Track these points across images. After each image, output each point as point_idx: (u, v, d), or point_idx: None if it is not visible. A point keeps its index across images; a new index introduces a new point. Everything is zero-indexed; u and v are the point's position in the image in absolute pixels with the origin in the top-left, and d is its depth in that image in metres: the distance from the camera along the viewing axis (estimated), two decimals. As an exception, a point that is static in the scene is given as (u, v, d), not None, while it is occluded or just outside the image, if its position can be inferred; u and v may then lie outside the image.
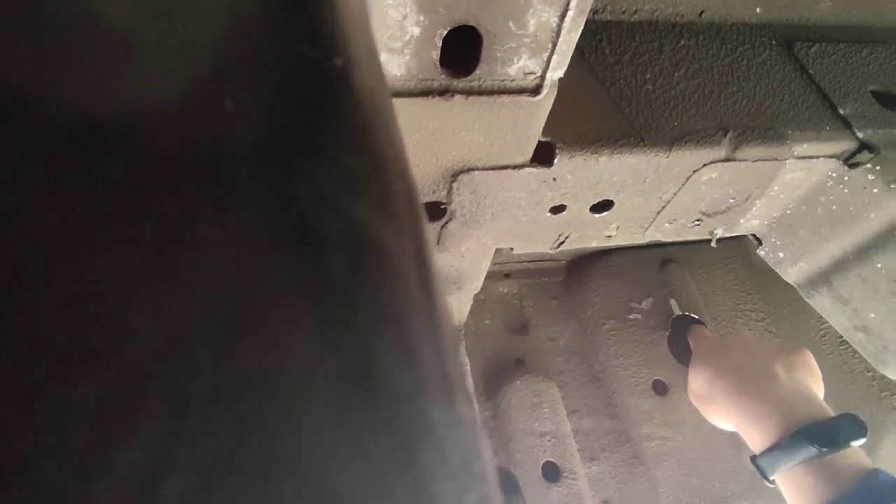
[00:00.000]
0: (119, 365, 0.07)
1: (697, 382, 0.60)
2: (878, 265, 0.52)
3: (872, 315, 0.54)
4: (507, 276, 0.99)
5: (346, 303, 0.08)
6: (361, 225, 0.09)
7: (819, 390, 0.53)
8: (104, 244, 0.08)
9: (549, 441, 0.79)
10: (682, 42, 0.55)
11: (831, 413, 0.47)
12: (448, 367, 0.09)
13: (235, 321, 0.08)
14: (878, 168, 0.51)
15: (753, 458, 0.51)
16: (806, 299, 0.61)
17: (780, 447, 0.47)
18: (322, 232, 0.09)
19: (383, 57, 0.35)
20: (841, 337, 0.95)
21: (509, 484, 0.42)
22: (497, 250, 0.99)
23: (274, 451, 0.07)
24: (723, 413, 0.56)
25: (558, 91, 0.42)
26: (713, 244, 0.64)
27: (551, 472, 0.77)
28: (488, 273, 1.00)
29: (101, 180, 0.09)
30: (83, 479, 0.07)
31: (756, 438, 0.50)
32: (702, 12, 0.56)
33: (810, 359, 0.55)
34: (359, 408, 0.08)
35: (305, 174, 0.09)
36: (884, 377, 0.89)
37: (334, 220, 0.09)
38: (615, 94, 0.51)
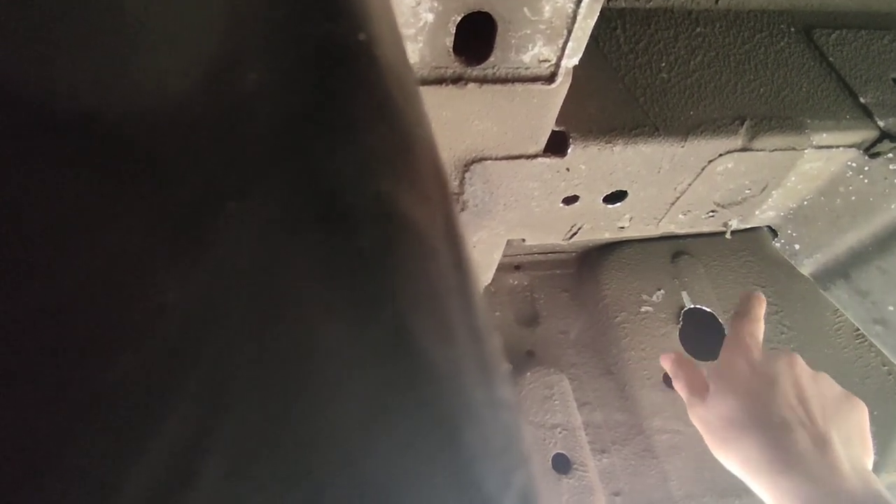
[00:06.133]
0: (154, 342, 0.07)
1: (715, 413, 0.44)
2: (899, 257, 0.51)
3: (891, 308, 0.53)
4: (517, 268, 0.98)
5: (378, 281, 0.08)
6: (390, 201, 0.09)
7: (870, 456, 0.43)
8: (129, 222, 0.08)
9: (559, 433, 0.79)
10: (699, 29, 0.54)
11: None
12: (484, 347, 0.09)
13: (266, 299, 0.08)
14: (899, 157, 0.50)
15: None
16: (822, 292, 0.60)
17: None
18: (349, 208, 0.09)
19: (396, 44, 0.34)
20: (857, 331, 0.93)
21: None
22: (508, 242, 0.98)
23: (313, 431, 0.07)
24: (747, 473, 0.43)
25: (572, 80, 0.42)
26: (728, 236, 0.63)
27: (562, 464, 0.77)
28: (499, 265, 0.99)
29: (124, 160, 0.09)
30: (118, 461, 0.07)
31: None
32: (719, -1, 0.55)
33: (864, 417, 0.44)
34: (398, 387, 0.08)
35: (329, 149, 0.09)
36: (900, 371, 0.88)
37: (361, 196, 0.09)
38: (630, 83, 0.50)
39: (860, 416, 0.43)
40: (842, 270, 0.57)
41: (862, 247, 0.55)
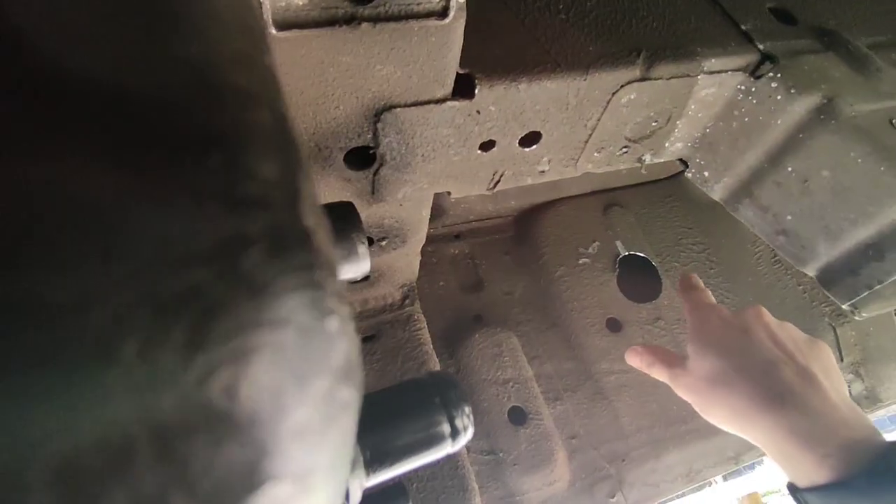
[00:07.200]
0: None
1: (699, 373, 0.45)
2: (789, 168, 0.56)
3: (789, 217, 0.57)
4: (457, 237, 0.99)
5: None
6: None
7: (846, 390, 0.43)
8: None
9: (512, 387, 0.81)
10: (592, -27, 0.56)
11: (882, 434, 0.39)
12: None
13: None
14: (779, 76, 0.54)
15: (794, 490, 0.40)
16: (733, 214, 0.64)
17: (851, 487, 0.35)
18: None
19: (282, -15, 0.34)
20: (773, 257, 1.01)
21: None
22: (445, 213, 0.99)
23: None
24: (743, 420, 0.42)
25: (474, 25, 0.43)
26: (643, 171, 0.66)
27: (518, 416, 0.78)
28: (439, 236, 1.00)
29: None
30: None
31: (806, 466, 0.38)
32: (607, -57, 0.57)
33: (832, 356, 0.45)
34: None
35: None
36: (814, 289, 0.96)
37: None
38: (530, 26, 0.52)
39: (829, 355, 0.45)
40: (746, 190, 0.61)
41: (759, 164, 0.59)
